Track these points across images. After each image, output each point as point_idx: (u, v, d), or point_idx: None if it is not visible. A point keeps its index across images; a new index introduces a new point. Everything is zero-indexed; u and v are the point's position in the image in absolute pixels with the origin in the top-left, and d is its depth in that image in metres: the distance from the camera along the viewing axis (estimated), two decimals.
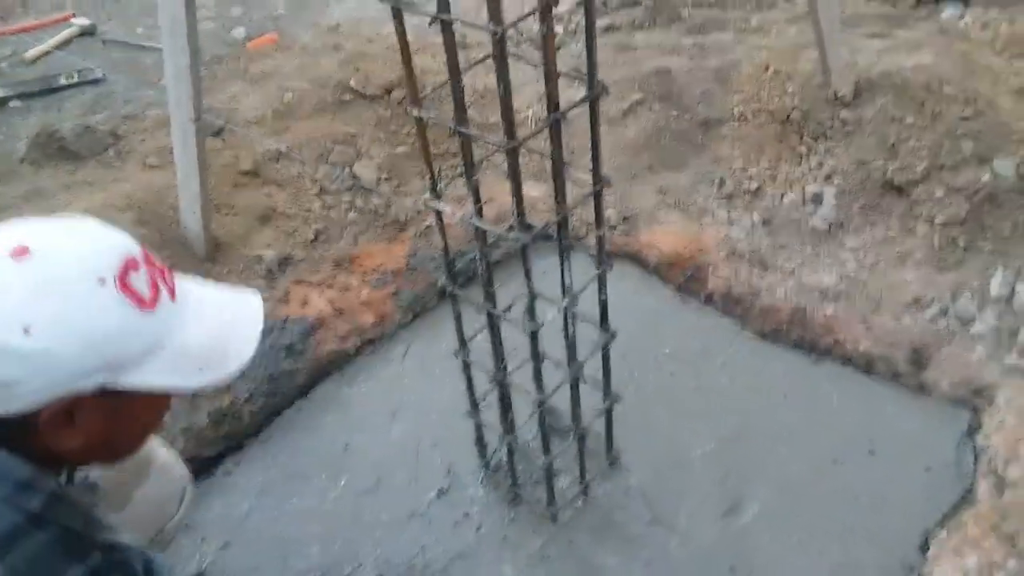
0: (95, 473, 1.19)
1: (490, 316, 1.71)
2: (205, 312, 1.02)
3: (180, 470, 1.61)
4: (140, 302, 0.93)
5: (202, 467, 2.20)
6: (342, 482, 2.17)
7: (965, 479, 1.99)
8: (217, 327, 1.03)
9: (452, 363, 1.93)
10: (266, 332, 2.40)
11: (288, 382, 2.38)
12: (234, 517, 2.10)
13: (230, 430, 2.26)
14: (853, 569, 1.86)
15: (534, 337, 1.63)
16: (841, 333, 2.29)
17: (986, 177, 2.32)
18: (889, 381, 2.23)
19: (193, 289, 1.05)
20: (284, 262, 2.66)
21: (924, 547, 1.87)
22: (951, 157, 2.41)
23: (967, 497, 1.94)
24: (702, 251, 2.58)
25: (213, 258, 2.63)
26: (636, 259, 2.69)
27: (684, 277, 2.57)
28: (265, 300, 2.50)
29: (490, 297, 1.69)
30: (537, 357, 1.68)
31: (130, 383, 0.93)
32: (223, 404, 2.26)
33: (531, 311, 1.59)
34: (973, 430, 2.08)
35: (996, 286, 2.22)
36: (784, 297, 2.39)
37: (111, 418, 0.96)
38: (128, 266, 0.93)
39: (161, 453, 1.58)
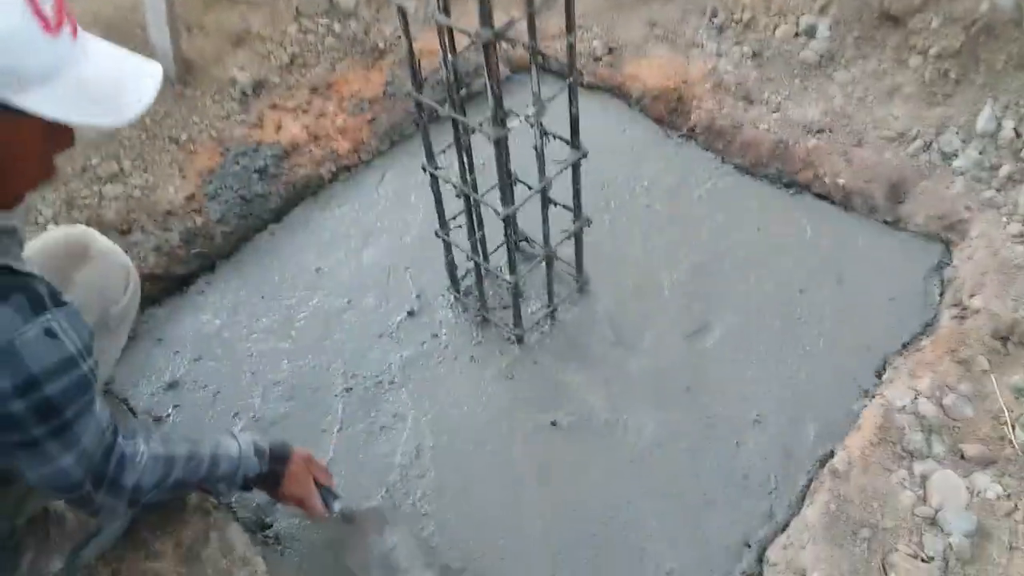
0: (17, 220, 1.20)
1: (455, 123, 1.66)
2: (104, 59, 1.05)
3: (122, 258, 1.63)
4: (44, 22, 0.95)
5: (174, 285, 2.22)
6: (313, 303, 2.18)
7: (929, 310, 1.99)
8: (116, 74, 1.05)
9: (427, 191, 1.89)
10: (239, 155, 2.38)
11: (261, 205, 2.36)
12: (206, 333, 2.13)
13: (202, 249, 2.25)
14: (805, 387, 1.88)
15: (499, 144, 1.59)
16: (821, 167, 2.25)
17: (984, 7, 2.21)
18: (865, 215, 2.21)
19: (96, 41, 1.07)
20: (258, 86, 2.59)
21: (881, 372, 1.89)
22: None
23: (929, 327, 1.95)
24: (687, 84, 2.50)
25: (184, 80, 2.56)
26: (619, 92, 2.62)
27: (667, 110, 2.50)
28: (239, 123, 2.47)
29: (455, 103, 1.65)
30: (503, 166, 1.65)
31: (21, 104, 0.94)
32: (195, 224, 2.25)
33: (495, 116, 1.54)
34: (943, 264, 2.07)
35: (983, 120, 2.16)
36: (767, 130, 2.33)
37: (2, 139, 0.98)
38: None
39: (101, 240, 1.60)
